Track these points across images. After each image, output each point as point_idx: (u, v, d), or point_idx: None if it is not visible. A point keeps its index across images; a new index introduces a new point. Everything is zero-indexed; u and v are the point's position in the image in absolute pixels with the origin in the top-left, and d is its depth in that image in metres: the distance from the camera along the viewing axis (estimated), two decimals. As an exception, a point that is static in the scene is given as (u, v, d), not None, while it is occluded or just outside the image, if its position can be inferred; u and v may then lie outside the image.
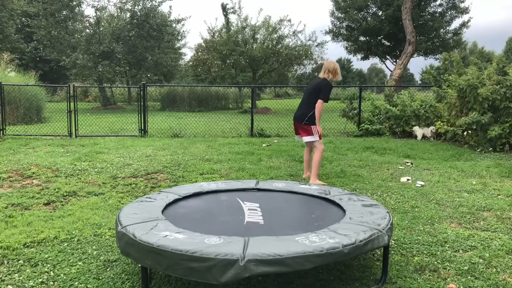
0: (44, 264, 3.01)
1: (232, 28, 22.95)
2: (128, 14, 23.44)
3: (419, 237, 3.56)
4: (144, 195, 4.67)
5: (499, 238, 3.53)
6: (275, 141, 9.75)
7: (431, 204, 4.58)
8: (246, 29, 22.53)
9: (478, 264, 3.03)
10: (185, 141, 9.63)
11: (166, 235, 2.55)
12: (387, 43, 29.95)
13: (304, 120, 5.44)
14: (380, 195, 4.92)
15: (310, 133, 5.45)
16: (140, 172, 6.12)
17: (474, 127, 8.33)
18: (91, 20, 23.48)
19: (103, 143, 9.16)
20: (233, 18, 25.09)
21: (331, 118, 12.92)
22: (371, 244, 2.57)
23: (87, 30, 23.51)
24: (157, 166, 6.53)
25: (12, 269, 2.94)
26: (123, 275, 2.86)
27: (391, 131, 10.75)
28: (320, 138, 5.46)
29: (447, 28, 28.42)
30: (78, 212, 4.20)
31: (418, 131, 10.02)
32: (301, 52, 22.33)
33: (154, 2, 23.49)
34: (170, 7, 38.70)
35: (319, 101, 5.31)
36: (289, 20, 26.76)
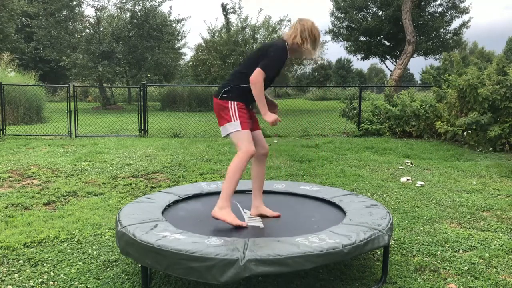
0: (44, 264, 3.01)
1: (232, 28, 22.94)
2: (128, 14, 23.44)
3: (419, 237, 3.56)
4: (144, 195, 4.67)
5: (499, 238, 3.53)
6: (275, 141, 9.74)
7: (431, 204, 4.58)
8: (246, 29, 22.53)
9: (478, 264, 3.03)
10: (185, 141, 9.63)
11: (166, 235, 2.55)
12: (387, 43, 29.97)
13: (221, 93, 3.06)
14: (380, 195, 4.92)
15: (226, 115, 3.02)
16: (140, 172, 6.12)
17: (474, 127, 8.33)
18: (91, 20, 23.49)
19: (103, 143, 9.16)
20: (233, 18, 25.14)
21: (331, 118, 12.92)
22: (371, 244, 2.57)
23: (87, 30, 23.51)
24: (157, 166, 6.53)
25: (12, 269, 2.94)
26: (123, 275, 2.86)
27: (391, 131, 10.75)
28: (244, 128, 2.98)
29: (447, 28, 28.45)
30: (78, 212, 4.20)
31: None
32: (301, 52, 22.29)
33: (154, 2, 23.50)
34: (170, 7, 38.69)
35: (257, 70, 2.96)
36: (289, 20, 26.64)
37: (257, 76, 2.95)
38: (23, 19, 25.72)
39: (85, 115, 15.94)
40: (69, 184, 5.38)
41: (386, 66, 41.99)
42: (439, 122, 9.45)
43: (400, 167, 6.59)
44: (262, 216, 3.23)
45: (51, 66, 32.68)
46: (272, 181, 4.48)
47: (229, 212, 2.97)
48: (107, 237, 3.55)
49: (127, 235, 2.59)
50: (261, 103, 2.98)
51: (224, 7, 23.10)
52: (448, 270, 2.95)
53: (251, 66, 3.02)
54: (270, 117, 3.00)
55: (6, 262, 3.06)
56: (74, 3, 24.91)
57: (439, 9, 27.66)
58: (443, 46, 27.98)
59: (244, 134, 2.99)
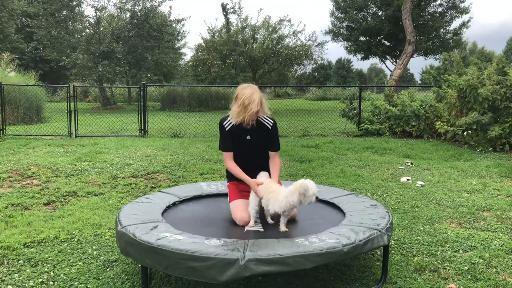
0: (44, 264, 3.01)
1: (232, 28, 22.94)
2: (128, 14, 23.44)
3: (419, 237, 3.56)
4: (144, 195, 4.67)
5: (499, 238, 3.53)
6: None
7: (431, 204, 4.58)
8: (246, 29, 22.52)
9: (478, 264, 3.03)
10: (185, 141, 9.62)
11: (166, 236, 2.55)
12: (387, 43, 29.98)
13: None
14: (380, 195, 4.92)
15: None
16: (140, 172, 6.12)
17: (474, 127, 8.33)
18: (91, 20, 23.48)
19: (103, 143, 9.16)
20: (233, 18, 25.11)
21: (331, 118, 12.92)
22: (370, 244, 2.57)
23: (87, 30, 23.51)
24: (157, 166, 6.53)
25: (12, 269, 2.94)
26: (123, 275, 2.86)
27: (391, 131, 10.75)
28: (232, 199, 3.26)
29: (447, 28, 28.46)
30: (78, 212, 4.20)
31: None
32: (301, 52, 22.32)
33: (154, 2, 23.51)
34: (170, 7, 38.75)
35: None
36: (289, 20, 26.68)
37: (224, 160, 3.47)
38: (23, 19, 25.76)
39: (85, 115, 15.93)
40: (69, 184, 5.38)
41: (386, 66, 42.04)
42: (439, 122, 9.45)
43: (400, 167, 6.58)
44: None
45: (51, 66, 32.68)
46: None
47: None
48: (107, 237, 3.55)
49: (127, 235, 2.59)
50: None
51: (224, 7, 23.09)
52: (448, 270, 2.95)
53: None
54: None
55: (6, 262, 3.06)
56: (74, 3, 24.91)
57: (439, 9, 27.67)
58: (443, 46, 27.98)
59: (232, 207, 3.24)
